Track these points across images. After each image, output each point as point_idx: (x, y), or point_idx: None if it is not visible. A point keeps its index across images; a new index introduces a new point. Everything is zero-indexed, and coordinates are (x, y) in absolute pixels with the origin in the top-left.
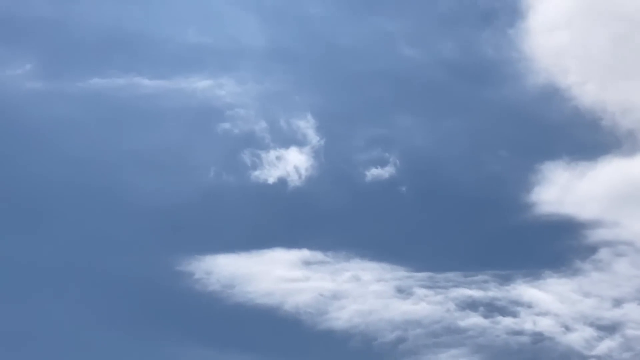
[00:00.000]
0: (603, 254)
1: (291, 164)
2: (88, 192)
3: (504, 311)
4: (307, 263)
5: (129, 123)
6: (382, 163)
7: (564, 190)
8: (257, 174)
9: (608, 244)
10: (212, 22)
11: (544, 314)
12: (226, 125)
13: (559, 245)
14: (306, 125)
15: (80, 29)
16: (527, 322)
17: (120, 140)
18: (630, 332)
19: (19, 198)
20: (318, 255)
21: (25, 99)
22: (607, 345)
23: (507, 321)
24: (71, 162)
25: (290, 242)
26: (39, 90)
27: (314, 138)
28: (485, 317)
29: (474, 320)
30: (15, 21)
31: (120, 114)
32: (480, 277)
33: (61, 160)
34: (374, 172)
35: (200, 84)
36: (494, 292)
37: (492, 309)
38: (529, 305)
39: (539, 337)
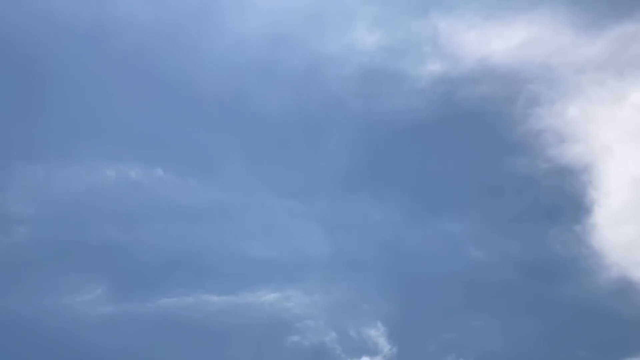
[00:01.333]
0: None
1: None
2: None
3: None
4: None
5: (198, 341)
6: None
7: None
8: None
9: None
10: (277, 235)
11: None
12: (295, 338)
13: None
14: (377, 334)
15: (147, 250)
16: None
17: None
18: None
19: None
20: None
21: (97, 323)
22: None
23: None
24: None
25: None
26: (110, 314)
27: (385, 346)
28: None
29: None
30: (84, 248)
31: (190, 333)
32: None
33: None
34: None
35: (268, 297)
36: None
37: None
38: None
39: None
